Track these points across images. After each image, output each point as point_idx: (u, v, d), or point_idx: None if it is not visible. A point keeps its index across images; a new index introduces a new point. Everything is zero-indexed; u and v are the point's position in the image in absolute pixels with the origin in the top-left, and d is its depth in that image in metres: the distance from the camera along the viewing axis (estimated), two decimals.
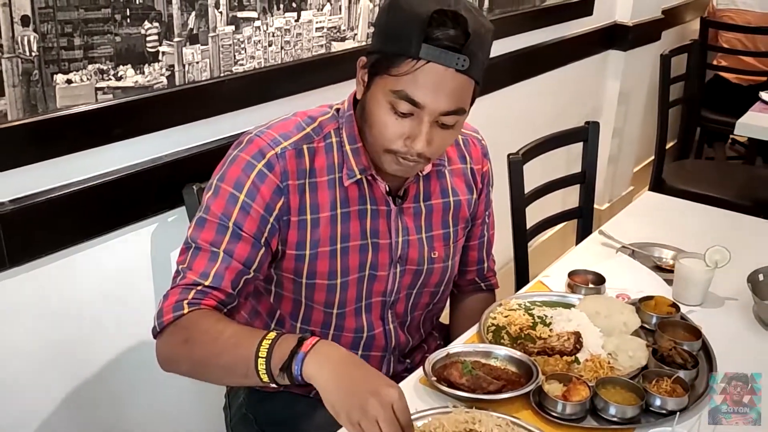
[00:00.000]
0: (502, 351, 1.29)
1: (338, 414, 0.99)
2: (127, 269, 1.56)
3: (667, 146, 3.27)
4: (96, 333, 1.54)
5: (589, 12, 3.10)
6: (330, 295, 1.30)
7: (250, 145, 1.22)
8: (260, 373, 1.05)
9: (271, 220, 1.21)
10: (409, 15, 1.11)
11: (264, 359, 1.04)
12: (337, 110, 1.29)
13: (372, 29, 1.95)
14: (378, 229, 1.29)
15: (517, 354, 1.28)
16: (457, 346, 1.33)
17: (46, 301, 1.42)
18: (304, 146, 1.23)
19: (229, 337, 1.10)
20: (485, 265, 1.55)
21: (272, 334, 1.07)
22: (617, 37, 3.35)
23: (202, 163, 1.55)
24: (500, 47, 2.60)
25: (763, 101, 3.03)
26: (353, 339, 1.35)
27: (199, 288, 1.16)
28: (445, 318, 1.62)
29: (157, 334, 1.18)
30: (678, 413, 1.11)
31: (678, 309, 1.44)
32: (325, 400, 1.01)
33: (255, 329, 1.13)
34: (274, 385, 1.06)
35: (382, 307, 1.36)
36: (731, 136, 4.09)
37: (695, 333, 1.36)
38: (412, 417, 1.03)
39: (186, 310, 1.14)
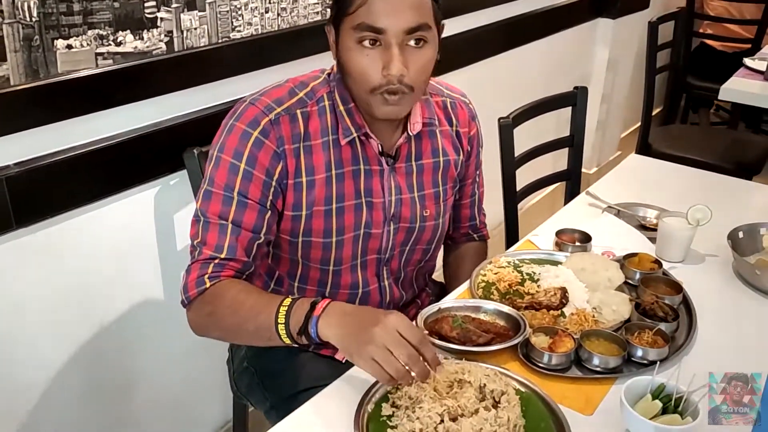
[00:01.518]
0: (492, 306, 1.29)
1: (356, 358, 1.02)
2: (132, 229, 1.56)
3: (654, 112, 3.26)
4: (104, 288, 1.54)
5: None
6: (326, 253, 1.29)
7: (245, 113, 1.20)
8: (282, 337, 1.08)
9: (273, 183, 1.21)
10: None
11: (283, 324, 1.07)
12: (329, 74, 1.28)
13: None
14: (372, 188, 1.29)
15: (506, 308, 1.28)
16: (448, 301, 1.33)
17: (53, 259, 1.42)
18: (298, 111, 1.22)
19: (250, 308, 1.13)
20: (477, 220, 1.56)
21: (287, 301, 1.09)
22: (606, 4, 3.31)
23: (201, 128, 1.54)
24: (493, 15, 2.56)
25: (747, 67, 3.00)
26: (349, 295, 1.35)
27: (216, 261, 1.18)
28: (438, 276, 1.62)
29: (186, 305, 1.21)
30: (658, 363, 1.11)
31: (660, 265, 1.44)
32: (342, 350, 1.05)
33: (272, 296, 1.14)
34: (296, 345, 1.10)
35: (377, 264, 1.36)
36: (715, 102, 4.06)
37: (676, 288, 1.36)
38: None
39: (208, 285, 1.17)
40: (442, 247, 1.56)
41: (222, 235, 1.18)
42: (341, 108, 1.24)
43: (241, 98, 1.25)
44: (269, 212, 1.21)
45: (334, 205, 1.26)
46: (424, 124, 1.32)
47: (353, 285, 1.35)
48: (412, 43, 1.14)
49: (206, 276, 1.17)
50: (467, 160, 1.43)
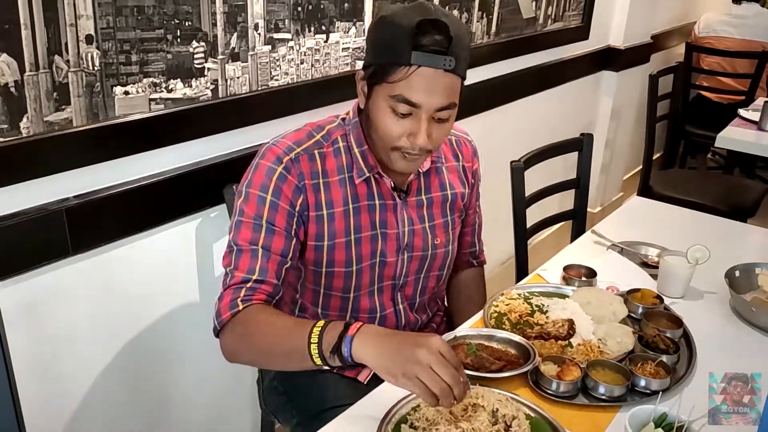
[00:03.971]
0: (503, 335, 1.28)
1: (395, 376, 0.98)
2: (175, 257, 1.57)
3: (654, 157, 3.24)
4: (147, 311, 1.55)
5: (585, 36, 3.07)
6: (347, 281, 1.30)
7: (268, 153, 1.23)
8: (314, 357, 1.05)
9: (296, 213, 1.22)
10: (397, 27, 1.11)
11: (316, 344, 1.04)
12: (343, 119, 1.30)
13: None
14: (386, 220, 1.30)
15: (517, 338, 1.27)
16: (462, 329, 1.32)
17: (104, 285, 1.43)
18: (315, 151, 1.24)
19: (282, 329, 1.11)
20: (477, 247, 1.57)
21: (320, 323, 1.06)
22: (610, 59, 3.33)
23: (240, 166, 1.53)
24: (506, 67, 2.59)
25: (742, 117, 2.99)
26: (368, 319, 1.35)
27: (248, 285, 1.17)
28: None
29: (218, 332, 1.19)
30: (660, 393, 1.09)
31: (662, 300, 1.42)
32: (379, 369, 1.00)
33: (303, 320, 1.13)
34: (326, 367, 1.06)
35: (392, 290, 1.36)
36: (712, 148, 4.04)
37: (677, 322, 1.34)
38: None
39: (241, 307, 1.15)
40: None
41: (254, 259, 1.18)
42: (356, 150, 1.26)
43: (263, 143, 1.27)
44: (294, 239, 1.22)
45: (352, 236, 1.27)
46: (433, 161, 1.35)
47: (371, 309, 1.35)
48: (439, 116, 1.16)
49: (239, 299, 1.16)
50: (471, 191, 1.45)
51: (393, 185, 1.29)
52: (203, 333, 1.67)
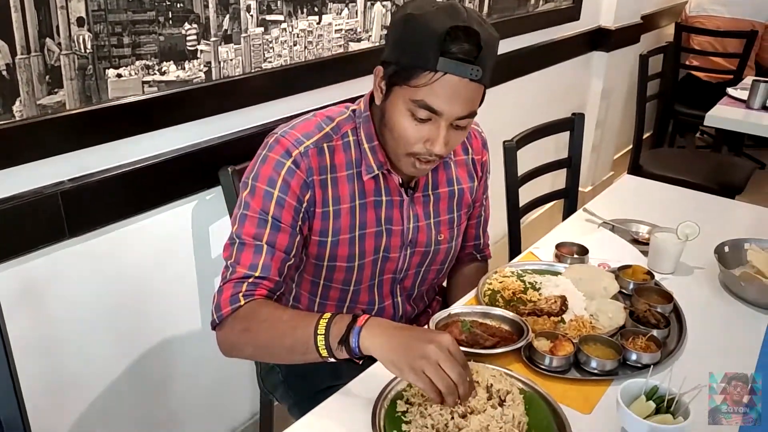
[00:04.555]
0: (497, 312, 1.27)
1: (402, 369, 0.95)
2: (172, 239, 1.56)
3: (644, 136, 3.23)
4: (145, 292, 1.54)
5: (576, 17, 3.05)
6: (348, 275, 1.28)
7: (277, 146, 1.18)
8: (320, 348, 1.01)
9: (302, 209, 1.18)
10: (426, 30, 1.05)
11: (323, 336, 1.01)
12: (353, 111, 1.25)
13: (385, 32, 1.92)
14: (392, 217, 1.26)
15: (510, 314, 1.26)
16: (457, 307, 1.31)
17: (102, 266, 1.42)
18: (324, 144, 1.19)
19: (287, 322, 1.07)
20: (481, 240, 1.53)
21: (327, 315, 1.03)
22: (601, 39, 3.30)
23: (235, 148, 1.54)
24: (499, 48, 2.56)
25: (730, 96, 2.98)
26: (365, 310, 1.34)
27: (250, 280, 1.13)
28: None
29: (216, 325, 1.15)
30: (651, 367, 1.09)
31: (652, 276, 1.42)
32: (386, 361, 0.98)
33: (308, 313, 1.10)
34: (332, 360, 1.03)
35: (391, 283, 1.34)
36: (701, 127, 4.03)
37: (667, 297, 1.34)
38: None
39: (242, 302, 1.11)
40: None
41: (257, 254, 1.14)
42: (366, 146, 1.21)
43: (271, 131, 1.22)
44: (298, 236, 1.18)
45: (357, 233, 1.24)
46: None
47: (370, 302, 1.33)
48: (458, 124, 1.12)
49: (240, 294, 1.11)
50: (478, 185, 1.41)
51: (401, 181, 1.25)
52: (200, 313, 1.68)
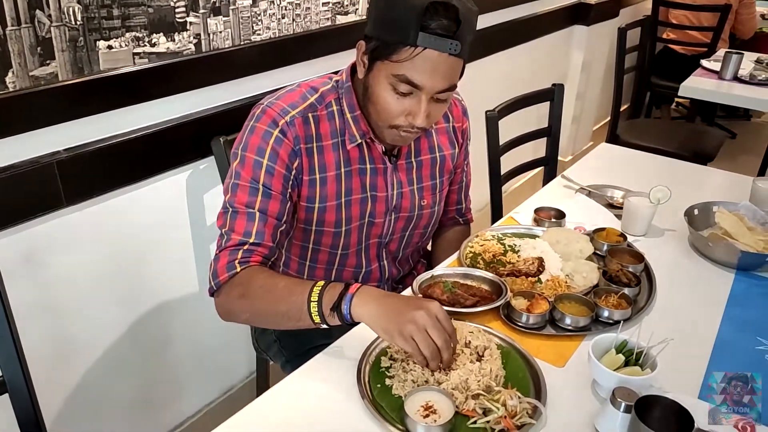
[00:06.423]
0: (478, 273, 1.27)
1: (392, 334, 0.95)
2: (167, 207, 1.54)
3: (622, 108, 3.21)
4: (143, 257, 1.53)
5: None
6: (336, 239, 1.27)
7: (264, 116, 1.16)
8: (312, 315, 1.01)
9: (291, 177, 1.17)
10: (406, 5, 1.03)
11: (316, 303, 1.00)
12: (336, 81, 1.23)
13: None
14: (376, 183, 1.25)
15: (490, 275, 1.26)
16: (439, 269, 1.31)
17: (98, 233, 1.40)
18: (310, 114, 1.18)
19: (282, 289, 1.05)
20: (463, 205, 1.52)
21: (321, 283, 1.03)
22: (582, 13, 3.26)
23: (226, 119, 1.52)
24: (482, 21, 2.50)
25: (704, 68, 2.95)
26: (353, 273, 1.33)
27: (245, 247, 1.11)
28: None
29: (213, 292, 1.14)
30: (622, 322, 1.09)
31: (625, 238, 1.41)
32: (376, 327, 0.97)
33: (302, 280, 1.09)
34: (324, 326, 1.02)
35: (377, 247, 1.33)
36: (676, 99, 4.01)
37: (639, 258, 1.34)
38: None
39: (238, 269, 1.10)
40: None
41: (250, 222, 1.13)
42: (348, 115, 1.19)
43: (258, 102, 1.20)
44: (288, 202, 1.17)
45: (343, 199, 1.23)
46: None
47: (357, 265, 1.33)
48: (438, 97, 1.10)
49: (236, 261, 1.10)
50: (459, 151, 1.40)
51: (384, 149, 1.24)
52: (197, 276, 1.67)
